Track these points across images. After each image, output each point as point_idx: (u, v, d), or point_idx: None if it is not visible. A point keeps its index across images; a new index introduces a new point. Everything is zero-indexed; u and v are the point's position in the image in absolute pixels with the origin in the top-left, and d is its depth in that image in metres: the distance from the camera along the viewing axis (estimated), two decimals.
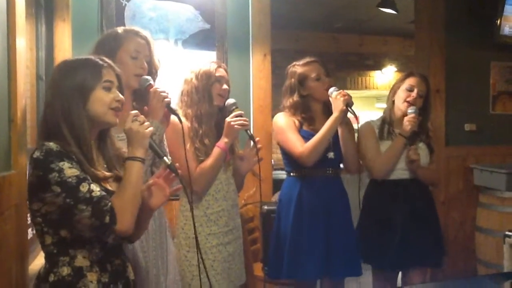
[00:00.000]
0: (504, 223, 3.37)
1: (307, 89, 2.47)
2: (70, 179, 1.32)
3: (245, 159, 2.30)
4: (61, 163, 1.33)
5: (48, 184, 1.32)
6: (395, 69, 8.52)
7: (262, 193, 3.05)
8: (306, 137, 2.40)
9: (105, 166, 1.51)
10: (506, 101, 4.10)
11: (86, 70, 1.44)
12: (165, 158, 1.51)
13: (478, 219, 3.71)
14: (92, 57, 1.49)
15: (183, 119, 2.04)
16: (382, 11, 5.40)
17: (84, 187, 1.33)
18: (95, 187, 1.36)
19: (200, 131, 2.16)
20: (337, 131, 2.43)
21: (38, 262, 2.07)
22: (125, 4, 3.01)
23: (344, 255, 2.40)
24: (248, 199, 3.10)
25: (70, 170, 1.33)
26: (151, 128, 1.47)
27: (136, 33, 1.93)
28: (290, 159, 2.46)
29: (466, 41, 3.93)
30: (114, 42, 1.87)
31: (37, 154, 1.34)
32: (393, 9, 5.26)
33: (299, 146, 2.37)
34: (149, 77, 1.92)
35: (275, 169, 4.14)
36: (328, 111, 2.44)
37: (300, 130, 2.44)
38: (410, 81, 2.64)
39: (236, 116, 2.15)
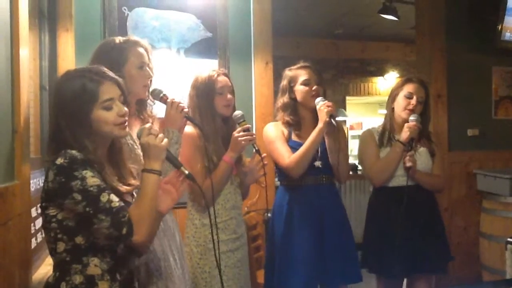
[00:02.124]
0: (508, 228, 3.36)
1: (294, 93, 2.47)
2: (91, 188, 1.34)
3: (250, 172, 2.32)
4: (84, 171, 1.35)
5: (69, 191, 1.33)
6: (397, 75, 8.53)
7: (265, 200, 3.06)
8: (295, 147, 2.40)
9: (116, 177, 1.52)
10: (508, 106, 4.10)
11: (80, 93, 1.42)
12: (182, 168, 1.54)
13: (481, 224, 3.70)
14: (87, 75, 1.45)
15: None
16: (383, 17, 5.41)
17: (104, 197, 1.35)
18: (114, 198, 1.38)
19: (209, 149, 2.17)
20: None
21: (41, 271, 2.07)
22: (128, 14, 3.03)
23: (340, 262, 2.38)
24: (251, 207, 3.10)
25: (92, 179, 1.35)
26: (166, 140, 1.49)
27: (137, 44, 1.95)
28: (280, 169, 2.48)
29: (467, 46, 3.94)
30: (120, 56, 1.87)
31: (60, 160, 1.35)
32: (394, 16, 5.28)
33: (285, 158, 2.38)
34: (161, 89, 1.94)
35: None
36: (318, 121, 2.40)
37: (288, 140, 2.44)
38: (409, 87, 2.63)
39: (244, 130, 2.15)
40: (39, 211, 2.13)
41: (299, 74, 2.47)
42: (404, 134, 2.55)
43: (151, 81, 2.01)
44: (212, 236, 1.77)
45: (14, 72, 1.68)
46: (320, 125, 2.33)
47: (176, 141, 1.91)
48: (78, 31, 2.92)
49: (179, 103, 1.91)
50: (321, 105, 2.34)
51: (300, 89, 2.45)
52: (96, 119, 1.43)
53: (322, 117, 2.32)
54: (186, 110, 1.93)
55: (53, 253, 1.43)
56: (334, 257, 2.37)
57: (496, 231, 3.51)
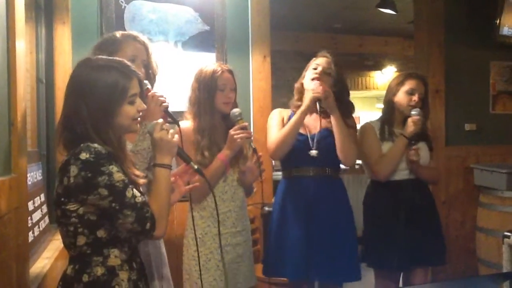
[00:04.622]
0: (505, 222, 3.37)
1: (304, 77, 2.48)
2: (118, 184, 1.36)
3: (248, 171, 2.29)
4: (111, 166, 1.36)
5: (95, 186, 1.34)
6: (395, 69, 8.53)
7: (263, 194, 3.07)
8: None
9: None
10: (506, 100, 4.10)
11: (113, 85, 1.43)
12: (192, 163, 1.61)
13: (478, 219, 3.71)
14: (118, 67, 1.46)
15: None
16: (381, 11, 5.39)
17: (129, 192, 1.38)
18: (137, 193, 1.40)
19: (201, 144, 2.17)
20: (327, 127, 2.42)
21: (38, 264, 2.07)
22: (125, 7, 3.01)
23: (329, 259, 2.33)
24: (249, 200, 3.10)
25: (118, 174, 1.37)
26: (177, 136, 1.56)
27: (134, 38, 1.95)
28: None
29: (465, 41, 3.94)
30: (112, 47, 1.89)
31: (86, 155, 1.34)
32: (392, 10, 5.27)
33: (270, 142, 2.42)
34: (146, 81, 1.93)
35: (276, 170, 4.14)
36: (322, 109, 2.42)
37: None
38: (410, 84, 2.64)
39: (241, 128, 2.14)
40: (36, 204, 2.15)
41: (314, 61, 2.47)
42: (409, 129, 2.56)
43: (155, 77, 2.01)
44: (195, 233, 1.74)
45: (11, 65, 1.67)
46: (302, 107, 2.36)
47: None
48: (74, 24, 2.90)
49: (160, 96, 1.90)
50: (310, 88, 2.35)
51: (306, 74, 2.46)
52: (121, 113, 1.45)
53: (305, 100, 2.36)
54: (165, 104, 1.91)
55: (71, 246, 1.43)
56: (321, 252, 2.33)
57: (493, 225, 3.52)
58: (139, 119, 1.51)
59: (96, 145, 1.37)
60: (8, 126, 1.65)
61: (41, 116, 2.67)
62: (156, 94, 1.90)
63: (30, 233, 1.99)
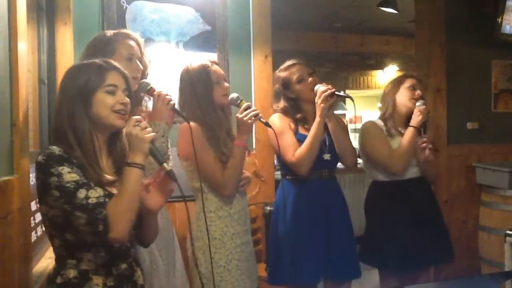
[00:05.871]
0: (507, 221, 3.37)
1: (294, 92, 2.45)
2: (68, 184, 1.32)
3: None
4: (61, 167, 1.34)
5: (48, 188, 1.33)
6: (397, 69, 8.52)
7: (264, 193, 3.07)
8: (302, 140, 2.37)
9: (114, 170, 1.50)
10: (507, 99, 4.10)
11: (89, 74, 1.45)
12: (164, 164, 1.46)
13: (480, 217, 3.71)
14: (97, 60, 1.50)
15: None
16: (383, 10, 5.38)
17: (81, 193, 1.33)
18: (93, 193, 1.34)
19: (219, 141, 2.13)
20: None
21: (41, 264, 2.08)
22: (126, 7, 3.01)
23: (344, 257, 2.38)
24: (250, 200, 3.10)
25: (69, 175, 1.33)
26: (152, 134, 1.44)
27: (127, 36, 1.94)
28: (284, 163, 2.44)
29: (467, 39, 3.93)
30: (108, 47, 1.87)
31: (40, 158, 1.36)
32: (394, 9, 5.25)
33: (291, 155, 2.35)
34: (149, 81, 1.92)
35: (278, 170, 4.13)
36: None
37: (295, 133, 2.42)
38: (411, 81, 2.68)
39: (245, 110, 2.11)
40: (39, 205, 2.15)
41: (290, 73, 2.45)
42: (417, 118, 2.56)
43: (147, 74, 2.01)
44: (190, 230, 1.71)
45: (13, 66, 1.68)
46: (317, 118, 2.33)
47: (163, 134, 1.88)
48: (76, 24, 2.90)
49: (166, 95, 1.89)
50: (318, 97, 2.32)
51: (298, 88, 2.44)
52: (96, 101, 1.44)
53: (319, 110, 2.32)
54: (172, 102, 1.90)
55: (53, 248, 1.45)
56: (338, 252, 2.37)
57: (495, 224, 3.52)
58: (123, 114, 1.45)
59: (54, 147, 1.37)
60: (10, 127, 1.65)
61: (43, 117, 2.67)
62: (162, 93, 1.89)
63: (33, 233, 2.00)
